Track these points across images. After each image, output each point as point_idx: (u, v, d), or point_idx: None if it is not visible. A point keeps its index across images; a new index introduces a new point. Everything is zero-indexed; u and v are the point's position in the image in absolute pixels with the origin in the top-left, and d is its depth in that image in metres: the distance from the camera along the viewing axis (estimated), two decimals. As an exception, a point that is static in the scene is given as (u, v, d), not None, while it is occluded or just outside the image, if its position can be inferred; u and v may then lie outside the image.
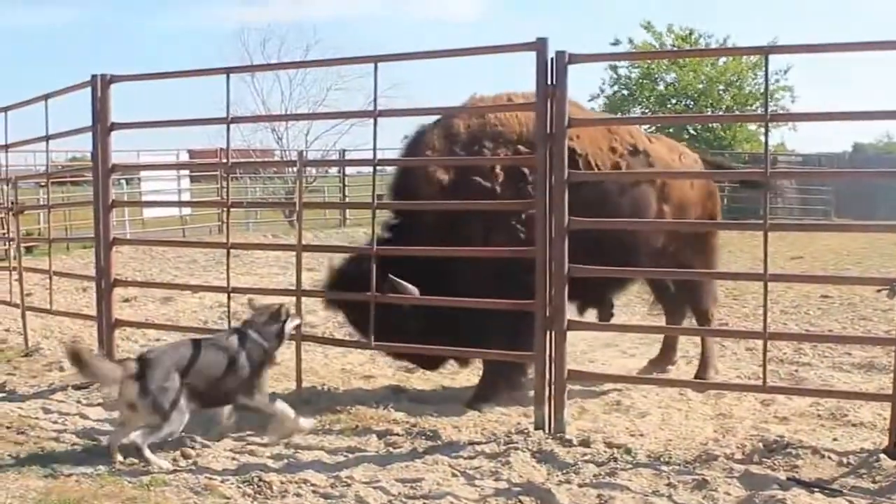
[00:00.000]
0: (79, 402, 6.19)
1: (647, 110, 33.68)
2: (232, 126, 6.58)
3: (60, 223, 18.81)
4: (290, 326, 5.28)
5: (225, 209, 6.88)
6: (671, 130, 28.69)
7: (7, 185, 10.48)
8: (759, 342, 5.98)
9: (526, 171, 5.73)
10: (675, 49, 32.12)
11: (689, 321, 6.93)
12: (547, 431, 5.26)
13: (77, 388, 6.43)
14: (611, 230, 5.69)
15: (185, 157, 26.28)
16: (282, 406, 5.11)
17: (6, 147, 8.86)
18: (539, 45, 5.20)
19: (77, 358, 4.74)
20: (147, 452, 4.71)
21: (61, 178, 19.33)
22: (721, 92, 33.00)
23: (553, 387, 5.28)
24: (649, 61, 33.92)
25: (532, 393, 5.46)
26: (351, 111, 6.52)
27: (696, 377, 6.67)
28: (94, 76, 6.76)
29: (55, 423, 5.62)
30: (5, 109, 8.47)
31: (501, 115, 6.13)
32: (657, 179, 6.36)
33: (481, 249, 5.63)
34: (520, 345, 5.63)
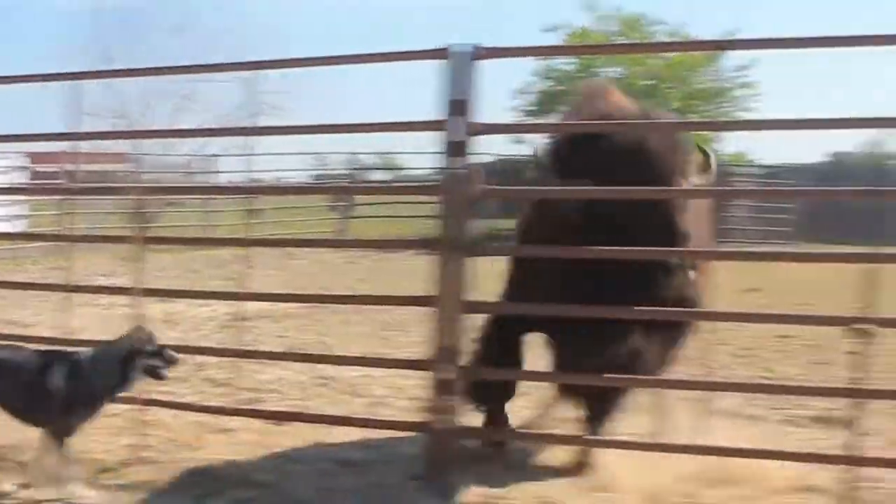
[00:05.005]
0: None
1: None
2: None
3: None
4: (137, 366, 4.60)
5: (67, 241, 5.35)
6: None
7: None
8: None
9: None
10: (614, 43, 27.95)
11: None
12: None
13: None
14: None
15: (22, 162, 22.55)
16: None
17: None
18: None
19: None
20: None
21: None
22: (670, 89, 28.81)
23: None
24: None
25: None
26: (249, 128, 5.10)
27: None
28: None
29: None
30: None
31: None
32: None
33: None
34: None
